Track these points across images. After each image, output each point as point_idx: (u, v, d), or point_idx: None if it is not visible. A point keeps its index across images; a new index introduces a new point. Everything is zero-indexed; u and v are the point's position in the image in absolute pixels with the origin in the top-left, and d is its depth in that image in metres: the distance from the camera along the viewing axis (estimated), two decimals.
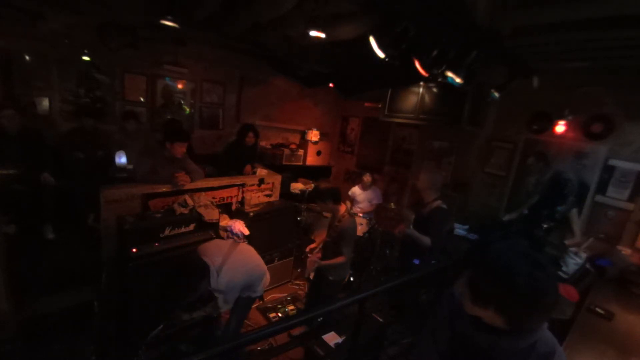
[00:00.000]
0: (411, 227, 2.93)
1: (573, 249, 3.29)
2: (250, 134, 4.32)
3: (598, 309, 2.41)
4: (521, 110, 4.03)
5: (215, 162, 4.46)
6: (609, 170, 3.44)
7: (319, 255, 3.06)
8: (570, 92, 3.60)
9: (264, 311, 3.44)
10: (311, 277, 3.14)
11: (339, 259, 2.80)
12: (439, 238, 2.88)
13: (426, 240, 2.81)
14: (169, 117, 4.71)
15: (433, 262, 2.96)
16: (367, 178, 4.65)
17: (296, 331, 3.05)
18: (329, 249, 2.92)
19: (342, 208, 2.91)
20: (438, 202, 2.89)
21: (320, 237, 3.22)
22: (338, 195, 2.88)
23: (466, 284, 0.99)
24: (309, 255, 3.24)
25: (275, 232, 3.69)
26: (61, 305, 2.76)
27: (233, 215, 3.50)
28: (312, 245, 3.23)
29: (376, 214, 4.76)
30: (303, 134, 6.18)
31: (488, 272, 0.92)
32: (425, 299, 3.20)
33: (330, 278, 2.93)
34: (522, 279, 0.85)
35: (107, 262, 2.70)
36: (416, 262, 2.99)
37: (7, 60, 3.57)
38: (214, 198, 3.36)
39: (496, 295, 0.90)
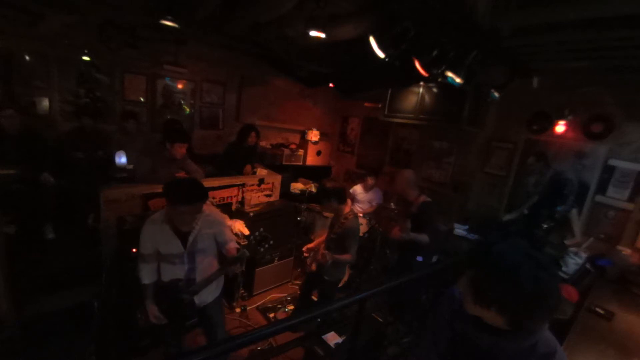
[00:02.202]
0: (409, 231, 2.96)
1: (573, 249, 3.30)
2: (253, 134, 4.31)
3: (598, 309, 2.41)
4: (521, 110, 4.03)
5: (215, 162, 4.46)
6: (609, 170, 3.44)
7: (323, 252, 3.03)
8: (570, 92, 3.60)
9: (264, 311, 3.44)
10: (313, 268, 3.08)
11: (347, 256, 2.79)
12: (435, 231, 2.97)
13: (424, 238, 2.88)
14: (169, 117, 4.71)
15: (434, 256, 3.02)
16: (370, 180, 4.65)
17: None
18: (332, 246, 2.91)
19: (347, 208, 2.92)
20: (422, 197, 2.99)
21: (320, 237, 3.19)
22: (343, 195, 2.89)
23: (468, 283, 0.98)
24: (304, 254, 3.20)
25: (275, 232, 3.68)
26: (61, 305, 2.76)
27: (233, 215, 3.50)
28: (310, 245, 3.21)
29: (376, 214, 4.76)
30: (303, 134, 6.19)
31: (491, 272, 0.92)
32: (425, 299, 3.20)
33: (326, 278, 2.92)
34: (526, 280, 0.85)
35: (107, 262, 2.70)
36: (419, 259, 3.02)
37: (7, 60, 3.57)
38: (214, 198, 3.36)
39: (499, 296, 0.90)
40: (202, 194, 1.94)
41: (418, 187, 3.05)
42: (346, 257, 2.78)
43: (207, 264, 2.10)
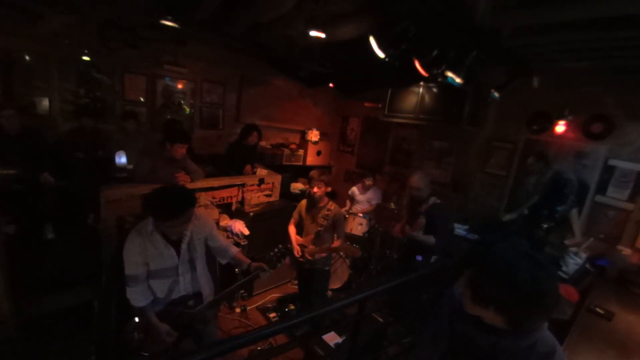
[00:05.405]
0: (421, 232, 2.97)
1: (573, 249, 3.29)
2: (255, 134, 4.30)
3: (598, 309, 2.41)
4: (521, 110, 4.03)
5: (216, 162, 4.46)
6: (609, 170, 3.44)
7: (312, 247, 2.99)
8: (570, 92, 3.60)
9: (264, 311, 3.44)
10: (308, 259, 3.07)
11: (340, 241, 2.95)
12: (445, 234, 2.96)
13: (430, 239, 2.90)
14: (169, 117, 4.71)
15: (435, 257, 3.05)
16: (368, 181, 4.67)
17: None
18: (324, 235, 2.93)
19: (325, 198, 2.97)
20: (433, 199, 3.00)
21: (307, 239, 3.04)
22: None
23: (467, 283, 0.99)
24: (307, 257, 3.14)
25: (275, 232, 3.69)
26: (61, 305, 2.76)
27: (233, 215, 3.50)
28: (298, 253, 3.02)
29: (376, 214, 4.76)
30: (303, 134, 6.18)
31: (490, 272, 0.92)
32: (425, 299, 3.20)
33: (327, 269, 3.05)
34: (523, 279, 0.86)
35: (107, 262, 2.70)
36: (419, 258, 3.04)
37: (7, 60, 3.57)
38: (214, 198, 3.36)
39: (497, 295, 0.91)
40: (189, 201, 1.74)
41: (430, 188, 3.05)
42: (339, 242, 2.97)
43: (201, 272, 2.04)
